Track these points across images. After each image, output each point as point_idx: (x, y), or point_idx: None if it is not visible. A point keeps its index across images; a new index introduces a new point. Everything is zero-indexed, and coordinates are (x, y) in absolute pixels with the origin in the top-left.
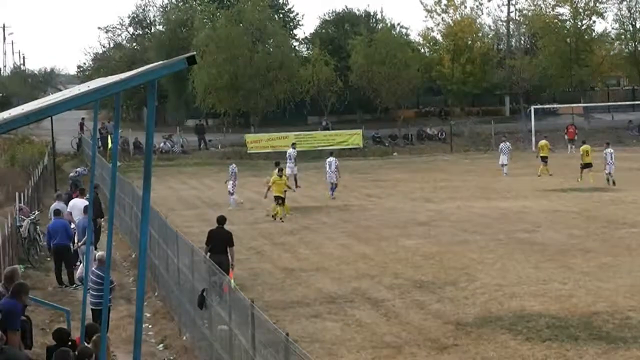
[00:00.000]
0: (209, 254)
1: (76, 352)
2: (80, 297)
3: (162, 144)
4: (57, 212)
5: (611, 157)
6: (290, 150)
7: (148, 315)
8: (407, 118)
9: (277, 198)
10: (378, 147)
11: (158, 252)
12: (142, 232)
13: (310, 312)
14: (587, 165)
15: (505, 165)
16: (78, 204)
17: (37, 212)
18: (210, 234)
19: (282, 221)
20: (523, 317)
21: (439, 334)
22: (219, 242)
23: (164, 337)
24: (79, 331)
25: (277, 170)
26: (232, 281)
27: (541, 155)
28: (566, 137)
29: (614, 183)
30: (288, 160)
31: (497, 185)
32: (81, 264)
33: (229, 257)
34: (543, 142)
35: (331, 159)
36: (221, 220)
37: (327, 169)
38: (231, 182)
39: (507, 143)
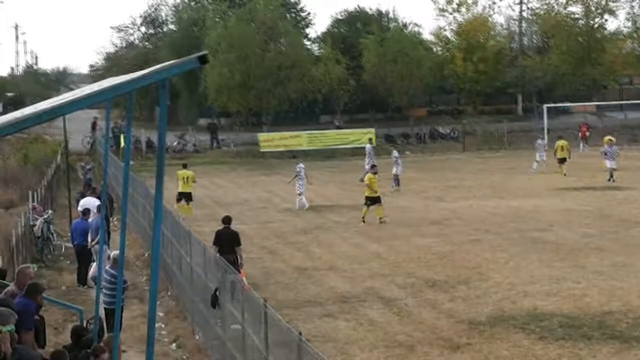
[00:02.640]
0: (218, 254)
1: (89, 351)
2: (93, 297)
3: (174, 143)
4: (85, 212)
5: (610, 153)
6: (367, 146)
7: (161, 314)
8: (420, 117)
9: (367, 199)
10: (391, 146)
11: (171, 251)
12: (155, 231)
13: (323, 311)
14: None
15: (537, 162)
16: (89, 202)
17: (50, 212)
18: (218, 235)
19: (384, 221)
20: (536, 316)
21: (452, 333)
22: (227, 241)
23: (177, 336)
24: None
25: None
26: (244, 280)
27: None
28: (579, 135)
29: (613, 180)
30: (367, 156)
31: (510, 184)
32: (94, 263)
33: (238, 256)
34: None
35: (396, 153)
36: (226, 220)
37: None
38: (299, 182)
39: (544, 140)
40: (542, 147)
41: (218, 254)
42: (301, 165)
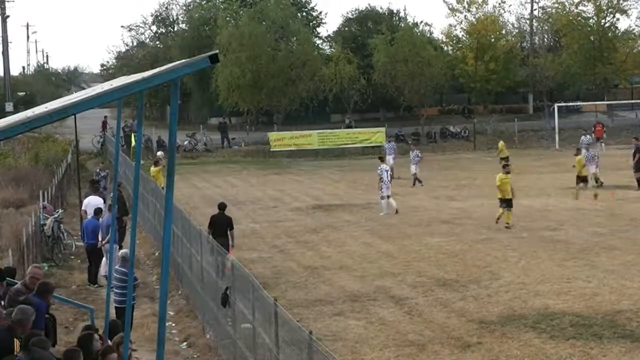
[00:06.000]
0: (211, 237)
1: (99, 351)
2: (104, 296)
3: (185, 142)
4: (97, 212)
5: (596, 157)
6: (386, 144)
7: (171, 313)
8: (430, 116)
9: (503, 201)
10: (401, 145)
11: (181, 250)
12: (165, 230)
13: (334, 310)
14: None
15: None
16: (92, 202)
17: (60, 211)
18: (212, 219)
19: (508, 227)
20: (547, 316)
21: (463, 332)
22: (220, 226)
23: (188, 335)
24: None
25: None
26: (232, 258)
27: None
28: (594, 135)
29: (598, 183)
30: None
31: (520, 183)
32: (103, 260)
33: (230, 239)
34: (501, 143)
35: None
36: (222, 206)
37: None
38: (383, 184)
39: (588, 136)
40: (587, 144)
41: (211, 237)
42: (383, 166)
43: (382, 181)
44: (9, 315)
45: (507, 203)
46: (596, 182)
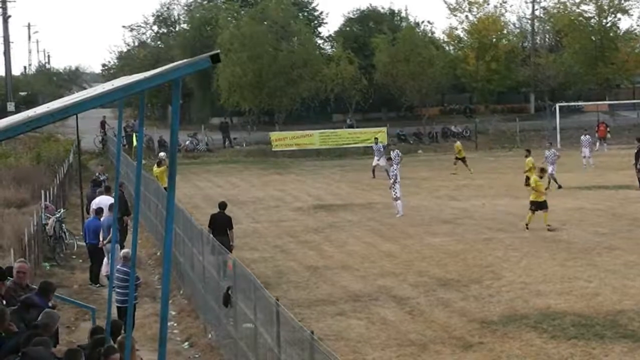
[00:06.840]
0: (211, 236)
1: (101, 350)
2: (106, 295)
3: (186, 142)
4: (99, 211)
5: (553, 157)
6: (374, 146)
7: (173, 313)
8: (432, 116)
9: (533, 203)
10: (403, 145)
11: (183, 250)
12: (167, 230)
13: (335, 310)
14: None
15: (587, 157)
16: (104, 201)
17: (62, 210)
18: (213, 218)
19: (527, 228)
20: (548, 315)
21: (464, 332)
22: (220, 225)
23: (190, 335)
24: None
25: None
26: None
27: (458, 157)
28: (597, 134)
29: (555, 183)
30: (376, 153)
31: (521, 182)
32: (105, 260)
33: (230, 238)
34: (458, 144)
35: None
36: (222, 205)
37: None
38: (397, 184)
39: (588, 136)
40: (588, 143)
41: (212, 236)
42: (395, 167)
43: (397, 182)
44: (13, 314)
45: (538, 205)
46: (548, 182)
